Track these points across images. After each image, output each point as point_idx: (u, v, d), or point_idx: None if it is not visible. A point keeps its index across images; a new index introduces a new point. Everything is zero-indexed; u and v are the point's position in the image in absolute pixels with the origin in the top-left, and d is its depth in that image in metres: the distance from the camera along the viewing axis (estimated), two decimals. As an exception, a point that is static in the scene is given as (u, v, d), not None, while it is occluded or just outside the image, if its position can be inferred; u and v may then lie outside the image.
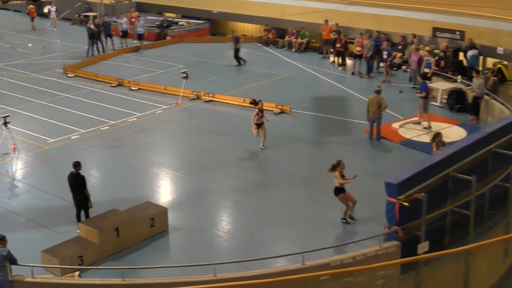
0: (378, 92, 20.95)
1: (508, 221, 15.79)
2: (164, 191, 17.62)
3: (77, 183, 15.05)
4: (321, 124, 23.07)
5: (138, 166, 19.28)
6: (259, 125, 20.42)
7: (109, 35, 34.59)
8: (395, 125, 22.10)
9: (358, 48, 29.09)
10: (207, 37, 39.05)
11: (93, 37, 33.26)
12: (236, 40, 31.11)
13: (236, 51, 31.05)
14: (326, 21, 32.43)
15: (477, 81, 22.73)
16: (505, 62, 27.23)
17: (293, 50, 34.50)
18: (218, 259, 13.51)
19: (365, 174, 18.15)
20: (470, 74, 25.37)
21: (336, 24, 32.29)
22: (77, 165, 15.12)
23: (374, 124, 20.97)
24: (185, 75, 25.81)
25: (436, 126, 21.76)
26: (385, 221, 13.95)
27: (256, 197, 17.09)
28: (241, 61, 31.08)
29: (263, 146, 20.25)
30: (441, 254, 12.92)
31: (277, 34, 36.45)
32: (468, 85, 23.99)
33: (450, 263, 13.79)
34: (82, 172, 15.17)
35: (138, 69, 30.78)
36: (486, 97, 22.98)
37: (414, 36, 27.99)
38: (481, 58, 27.82)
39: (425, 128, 21.72)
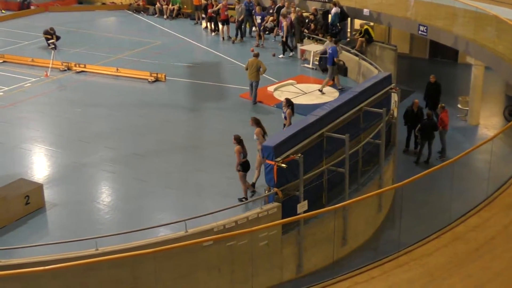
0: (257, 55, 21.15)
1: (380, 176, 16.48)
2: (38, 167, 17.00)
3: None
4: (196, 90, 22.98)
5: (9, 142, 18.47)
6: None
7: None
8: (270, 88, 22.39)
9: (225, 13, 29.20)
10: (74, 6, 37.69)
11: None
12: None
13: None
14: (197, -14, 32.11)
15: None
16: (372, 23, 28.14)
17: (165, 17, 33.99)
18: (99, 232, 13.24)
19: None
20: (331, 30, 26.04)
21: (207, -11, 32.03)
22: None
23: (254, 87, 21.24)
24: (53, 46, 24.88)
25: (310, 87, 22.25)
26: (264, 184, 14.21)
27: (136, 167, 16.85)
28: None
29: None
30: (319, 212, 13.29)
31: (148, 1, 35.75)
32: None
33: (328, 220, 14.26)
34: None
35: (1, 41, 29.29)
36: (355, 57, 23.68)
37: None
38: (349, 20, 28.62)
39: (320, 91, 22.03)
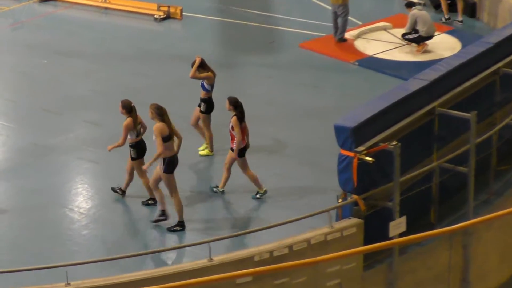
0: None
1: (527, 180, 16.31)
2: (-22, 151, 17.29)
3: None
4: (231, 36, 22.99)
5: None
6: None
7: None
8: (350, 34, 22.33)
9: None
10: None
11: None
12: None
13: None
14: None
15: None
16: None
17: None
18: (72, 257, 13.37)
19: (301, 114, 18.30)
20: None
21: None
22: None
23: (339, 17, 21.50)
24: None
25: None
26: (337, 187, 14.12)
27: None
28: None
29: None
30: (425, 236, 13.09)
31: None
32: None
33: (440, 250, 14.18)
34: None
35: None
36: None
37: None
38: None
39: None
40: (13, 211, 15.19)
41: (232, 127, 15.09)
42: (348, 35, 22.15)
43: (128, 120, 14.86)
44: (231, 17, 23.85)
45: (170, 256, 13.54)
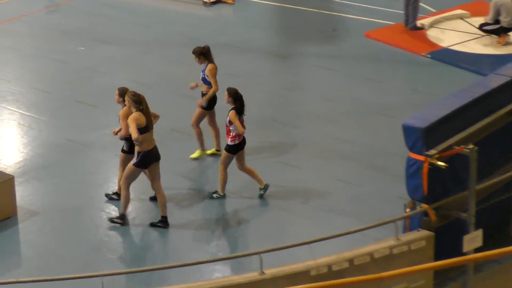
0: None
1: None
2: (9, 146, 17.42)
3: None
4: (288, 22, 22.98)
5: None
6: None
7: None
8: (422, 22, 22.24)
9: None
10: None
11: None
12: None
13: None
14: None
15: None
16: None
17: None
18: (109, 265, 13.43)
19: (365, 112, 18.24)
20: None
21: None
22: None
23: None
24: None
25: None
26: (405, 195, 14.06)
27: (174, 153, 16.88)
28: None
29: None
30: (505, 252, 13.03)
31: None
32: None
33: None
34: None
35: None
36: None
37: None
38: None
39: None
40: (45, 214, 15.28)
41: (230, 121, 15.10)
42: (420, 24, 22.06)
43: (126, 108, 14.83)
44: (288, 2, 23.86)
45: (217, 267, 13.53)
